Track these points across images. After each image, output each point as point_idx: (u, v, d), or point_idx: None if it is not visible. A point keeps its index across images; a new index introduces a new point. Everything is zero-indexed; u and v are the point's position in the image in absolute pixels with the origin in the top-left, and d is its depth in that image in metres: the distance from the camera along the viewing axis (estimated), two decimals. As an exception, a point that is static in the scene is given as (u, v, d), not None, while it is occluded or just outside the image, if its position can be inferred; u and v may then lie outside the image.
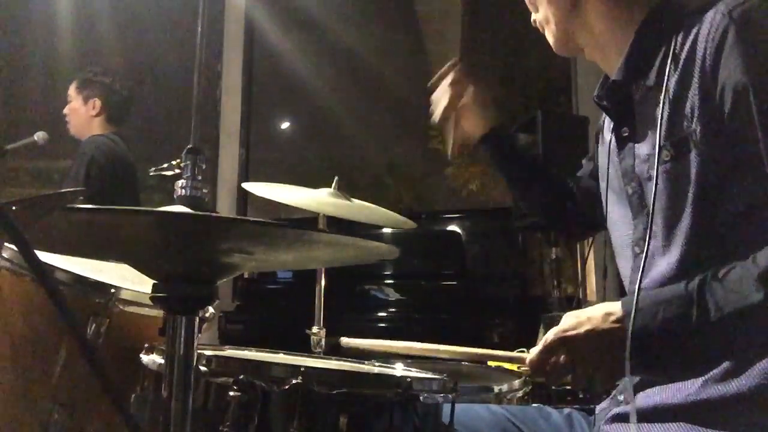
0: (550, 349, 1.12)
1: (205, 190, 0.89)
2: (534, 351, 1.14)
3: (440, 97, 1.51)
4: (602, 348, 1.06)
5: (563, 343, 1.10)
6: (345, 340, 1.45)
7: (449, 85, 1.50)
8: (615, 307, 1.07)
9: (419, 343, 1.34)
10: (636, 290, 1.04)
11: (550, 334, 1.12)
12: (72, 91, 3.34)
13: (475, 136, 1.51)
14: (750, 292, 0.94)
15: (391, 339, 1.42)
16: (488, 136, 1.50)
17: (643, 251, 1.12)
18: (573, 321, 1.10)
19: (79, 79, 3.36)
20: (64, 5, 6.45)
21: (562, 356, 1.11)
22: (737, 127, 0.98)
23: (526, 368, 1.16)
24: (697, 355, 1.01)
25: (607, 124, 1.28)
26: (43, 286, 0.63)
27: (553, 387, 2.08)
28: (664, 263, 1.06)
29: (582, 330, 1.08)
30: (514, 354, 1.24)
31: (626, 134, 1.16)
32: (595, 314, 1.08)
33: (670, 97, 1.05)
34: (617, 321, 1.05)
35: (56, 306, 0.61)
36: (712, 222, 1.02)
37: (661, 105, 1.06)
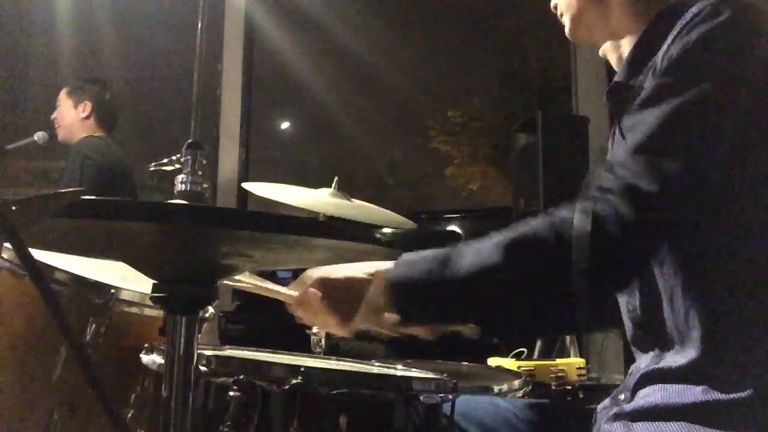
0: (308, 284, 1.14)
1: (205, 185, 0.89)
2: (294, 286, 1.18)
3: None
4: (357, 294, 1.09)
5: (322, 283, 1.13)
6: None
7: None
8: (382, 264, 1.10)
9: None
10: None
11: (315, 272, 1.14)
12: (62, 96, 3.36)
13: None
14: (489, 254, 0.98)
15: (390, 339, 1.42)
16: None
17: None
18: (336, 266, 1.14)
19: (69, 86, 3.38)
20: (64, 5, 6.45)
21: (320, 296, 1.13)
22: None
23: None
24: (451, 314, 1.06)
25: None
26: (37, 288, 0.62)
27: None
28: None
29: (341, 275, 1.12)
30: (283, 290, 1.25)
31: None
32: (358, 264, 1.12)
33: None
34: (377, 273, 1.08)
35: (50, 308, 0.61)
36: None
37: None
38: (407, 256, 1.07)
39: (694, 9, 1.00)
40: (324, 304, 1.13)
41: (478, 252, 1.00)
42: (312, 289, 1.13)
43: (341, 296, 1.12)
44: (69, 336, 0.65)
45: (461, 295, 1.02)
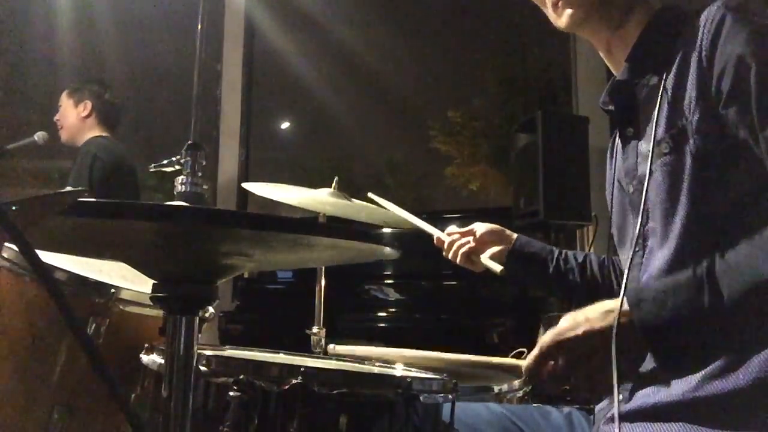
0: (546, 354, 1.04)
1: (205, 186, 0.89)
2: (529, 357, 1.06)
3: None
4: (603, 348, 1.00)
5: (560, 346, 1.03)
6: (333, 347, 1.43)
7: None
8: (614, 303, 1.01)
9: (413, 350, 1.32)
10: (623, 284, 1.00)
11: (546, 338, 1.04)
12: (63, 98, 3.37)
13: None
14: (762, 263, 0.92)
15: (391, 339, 1.42)
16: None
17: (640, 248, 1.13)
18: (569, 322, 1.03)
19: (69, 87, 3.40)
20: (64, 5, 6.46)
21: (560, 360, 1.03)
22: (732, 114, 0.99)
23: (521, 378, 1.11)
24: (712, 343, 0.98)
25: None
26: (44, 286, 0.63)
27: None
28: (660, 258, 1.06)
29: (579, 331, 1.01)
30: (509, 361, 1.19)
31: (630, 134, 1.16)
32: (592, 313, 1.03)
33: (669, 92, 1.06)
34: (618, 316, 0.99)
35: (58, 305, 0.61)
36: (705, 213, 1.02)
37: (658, 101, 1.06)
38: (642, 294, 1.00)
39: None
40: (568, 370, 1.03)
41: (744, 265, 0.93)
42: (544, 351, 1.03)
43: (585, 356, 1.01)
44: (76, 330, 0.65)
45: (726, 324, 0.96)
